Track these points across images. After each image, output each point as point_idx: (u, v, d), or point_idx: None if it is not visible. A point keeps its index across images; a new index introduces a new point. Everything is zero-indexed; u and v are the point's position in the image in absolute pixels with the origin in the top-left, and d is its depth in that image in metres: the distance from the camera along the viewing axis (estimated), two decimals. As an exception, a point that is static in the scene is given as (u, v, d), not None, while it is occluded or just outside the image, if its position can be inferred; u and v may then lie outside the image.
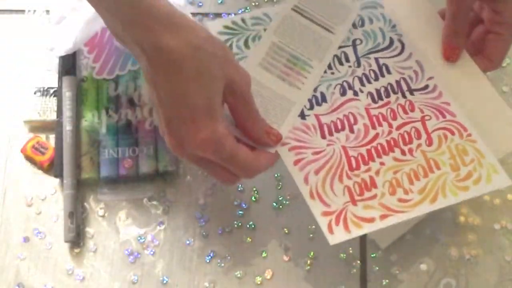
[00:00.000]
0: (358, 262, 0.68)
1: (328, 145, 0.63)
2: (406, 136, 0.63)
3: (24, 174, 0.71)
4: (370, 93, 0.65)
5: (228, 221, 0.70)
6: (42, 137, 0.72)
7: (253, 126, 0.60)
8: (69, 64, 0.73)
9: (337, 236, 0.59)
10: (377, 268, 0.68)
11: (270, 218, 0.70)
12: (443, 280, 0.68)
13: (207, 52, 0.55)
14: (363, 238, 0.69)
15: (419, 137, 0.63)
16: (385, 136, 0.63)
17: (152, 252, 0.69)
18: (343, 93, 0.65)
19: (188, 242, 0.69)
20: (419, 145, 0.63)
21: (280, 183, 0.71)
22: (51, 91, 0.73)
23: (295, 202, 0.71)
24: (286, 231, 0.70)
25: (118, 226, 0.70)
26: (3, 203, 0.70)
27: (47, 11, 0.76)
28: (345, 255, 0.69)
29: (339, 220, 0.60)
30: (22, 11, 0.77)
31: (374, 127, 0.64)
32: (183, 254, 0.69)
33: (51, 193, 0.71)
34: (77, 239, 0.68)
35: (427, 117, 0.64)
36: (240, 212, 0.70)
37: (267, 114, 0.62)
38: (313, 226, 0.70)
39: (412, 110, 0.64)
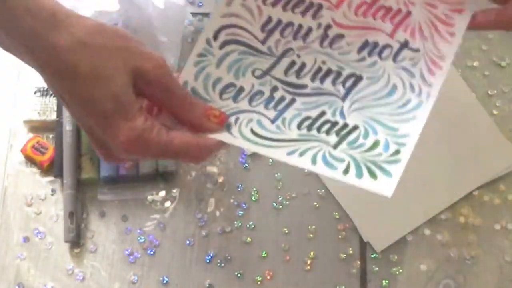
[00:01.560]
0: (358, 262, 0.68)
1: None
2: None
3: (24, 174, 0.71)
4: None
5: (228, 221, 0.70)
6: (42, 137, 0.72)
7: (186, 113, 0.53)
8: (69, 64, 0.73)
9: None
10: (377, 268, 0.68)
11: (270, 218, 0.70)
12: (443, 280, 0.68)
13: (100, 47, 0.49)
14: (363, 239, 0.69)
15: None
16: None
17: (152, 252, 0.69)
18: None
19: (188, 242, 0.69)
20: None
21: (280, 183, 0.71)
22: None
23: (295, 202, 0.71)
24: (286, 231, 0.70)
25: (118, 226, 0.70)
26: (3, 203, 0.70)
27: (47, 11, 0.76)
28: (345, 255, 0.69)
29: None
30: (22, 11, 0.77)
31: None
32: (183, 254, 0.69)
33: (51, 193, 0.71)
34: (77, 239, 0.68)
35: None
36: (240, 212, 0.70)
37: None
38: (313, 226, 0.70)
39: None
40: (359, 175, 0.54)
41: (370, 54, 0.58)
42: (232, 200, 0.71)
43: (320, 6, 0.59)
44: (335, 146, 0.55)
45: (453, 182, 0.71)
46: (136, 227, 0.70)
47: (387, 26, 0.58)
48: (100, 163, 0.70)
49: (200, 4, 0.79)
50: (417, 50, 0.57)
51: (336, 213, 0.70)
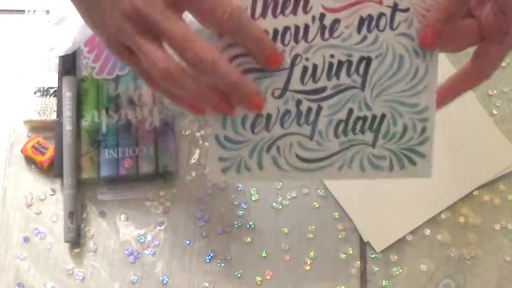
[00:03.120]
0: (358, 262, 0.68)
1: None
2: None
3: (24, 174, 0.71)
4: None
5: (228, 221, 0.70)
6: (42, 137, 0.72)
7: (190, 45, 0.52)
8: (69, 64, 0.73)
9: None
10: (377, 268, 0.68)
11: (270, 218, 0.70)
12: (443, 280, 0.68)
13: None
14: (363, 239, 0.69)
15: None
16: None
17: (152, 252, 0.69)
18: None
19: (188, 242, 0.69)
20: None
21: (280, 183, 0.71)
22: (51, 91, 0.73)
23: (295, 202, 0.71)
24: (286, 231, 0.70)
25: (118, 226, 0.70)
26: (3, 203, 0.70)
27: (47, 11, 0.76)
28: (345, 255, 0.69)
29: None
30: (22, 11, 0.77)
31: None
32: (183, 254, 0.69)
33: (51, 193, 0.71)
34: (77, 239, 0.68)
35: None
36: (240, 212, 0.70)
37: None
38: (313, 226, 0.70)
39: None
40: (402, 166, 0.58)
41: (369, 30, 0.56)
42: (232, 200, 0.71)
43: None
44: (373, 144, 0.57)
45: (453, 182, 0.71)
46: (136, 227, 0.70)
47: None
48: (100, 163, 0.70)
49: None
50: (407, 10, 0.56)
51: (336, 213, 0.70)
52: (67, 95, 0.71)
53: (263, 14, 0.55)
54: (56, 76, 0.73)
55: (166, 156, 0.70)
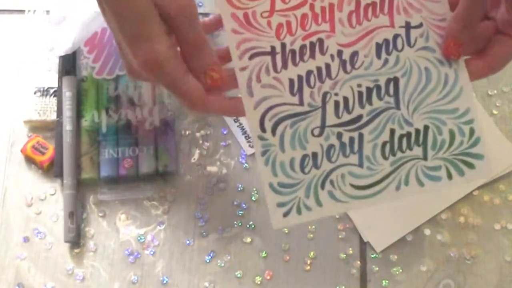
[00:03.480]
0: (358, 262, 0.68)
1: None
2: None
3: (24, 174, 0.71)
4: None
5: (228, 221, 0.70)
6: (42, 137, 0.72)
7: (192, 58, 0.56)
8: (69, 64, 0.73)
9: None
10: (377, 268, 0.68)
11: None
12: (443, 280, 0.68)
13: None
14: (363, 239, 0.69)
15: None
16: None
17: (152, 252, 0.69)
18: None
19: (188, 242, 0.69)
20: None
21: (280, 183, 0.71)
22: (51, 91, 0.73)
23: (295, 202, 0.71)
24: (286, 231, 0.70)
25: (118, 226, 0.70)
26: (3, 203, 0.70)
27: (47, 11, 0.76)
28: (345, 255, 0.69)
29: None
30: (22, 11, 0.77)
31: None
32: (183, 254, 0.69)
33: (51, 193, 0.71)
34: (77, 239, 0.68)
35: None
36: (240, 212, 0.70)
37: None
38: (313, 226, 0.70)
39: None
40: (461, 173, 0.59)
41: (388, 52, 0.58)
42: (232, 200, 0.71)
43: (320, 40, 0.58)
44: (425, 157, 0.58)
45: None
46: (136, 227, 0.70)
47: (383, 19, 0.58)
48: (100, 163, 0.70)
49: (200, 4, 0.80)
50: (420, 25, 0.58)
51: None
52: (67, 95, 0.71)
53: (284, 66, 0.58)
54: (56, 76, 0.73)
55: (166, 156, 0.70)
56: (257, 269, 0.68)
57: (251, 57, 0.58)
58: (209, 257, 0.68)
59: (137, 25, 0.53)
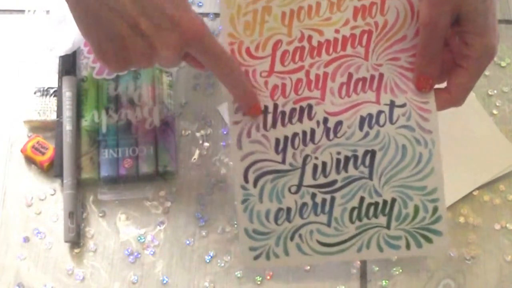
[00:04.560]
0: (358, 262, 0.68)
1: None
2: None
3: (24, 174, 0.71)
4: None
5: (228, 221, 0.70)
6: (42, 137, 0.72)
7: (225, 76, 0.60)
8: (69, 64, 0.73)
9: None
10: (377, 268, 0.68)
11: (270, 218, 0.70)
12: (443, 280, 0.68)
13: None
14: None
15: None
16: None
17: (152, 252, 0.69)
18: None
19: (188, 242, 0.69)
20: None
21: (280, 183, 0.71)
22: (51, 91, 0.73)
23: (295, 202, 0.71)
24: (286, 231, 0.70)
25: (118, 226, 0.70)
26: (3, 203, 0.70)
27: (47, 11, 0.76)
28: (345, 255, 0.69)
29: None
30: (22, 11, 0.77)
31: None
32: (183, 254, 0.69)
33: (51, 193, 0.71)
34: (77, 239, 0.68)
35: None
36: (240, 212, 0.70)
37: None
38: (313, 226, 0.70)
39: None
40: (419, 245, 0.63)
41: (370, 126, 0.62)
42: (232, 200, 0.71)
43: (310, 106, 0.63)
44: (388, 226, 0.63)
45: (453, 182, 0.71)
46: (136, 227, 0.70)
47: (370, 95, 0.63)
48: (100, 163, 0.70)
49: (200, 4, 0.80)
50: (404, 105, 0.62)
51: (336, 213, 0.70)
52: (67, 95, 0.71)
53: (274, 125, 0.63)
54: (56, 76, 0.73)
55: (166, 156, 0.70)
56: (257, 269, 0.68)
57: (246, 113, 0.63)
58: (209, 257, 0.68)
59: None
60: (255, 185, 0.63)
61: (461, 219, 0.70)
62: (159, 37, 0.55)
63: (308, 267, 0.68)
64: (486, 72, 0.76)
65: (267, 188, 0.63)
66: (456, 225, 0.70)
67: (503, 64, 0.77)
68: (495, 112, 0.74)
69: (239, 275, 0.68)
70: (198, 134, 0.73)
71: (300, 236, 0.63)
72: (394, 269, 0.68)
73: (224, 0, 0.62)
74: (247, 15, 0.62)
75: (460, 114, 0.73)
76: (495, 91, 0.75)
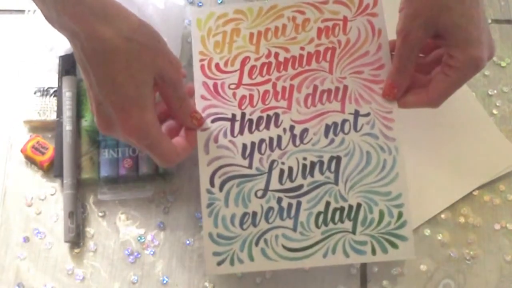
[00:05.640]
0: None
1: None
2: None
3: (24, 174, 0.71)
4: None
5: (228, 221, 0.70)
6: (42, 137, 0.72)
7: (179, 109, 0.62)
8: (69, 64, 0.73)
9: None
10: (377, 268, 0.68)
11: (270, 218, 0.70)
12: (443, 280, 0.68)
13: (139, 43, 0.57)
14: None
15: None
16: None
17: (152, 252, 0.69)
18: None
19: (188, 242, 0.69)
20: None
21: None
22: (51, 91, 0.73)
23: (295, 202, 0.71)
24: (286, 231, 0.70)
25: (118, 226, 0.70)
26: (3, 203, 0.70)
27: (47, 11, 0.76)
28: (345, 255, 0.69)
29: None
30: (22, 11, 0.77)
31: None
32: (183, 254, 0.69)
33: (51, 193, 0.71)
34: (77, 239, 0.68)
35: None
36: (240, 212, 0.70)
37: None
38: (313, 226, 0.70)
39: None
40: (384, 250, 0.63)
41: (335, 134, 0.64)
42: (232, 200, 0.71)
43: (277, 115, 0.65)
44: (353, 231, 0.63)
45: (453, 182, 0.71)
46: (136, 227, 0.70)
47: (335, 105, 0.65)
48: (100, 163, 0.70)
49: (200, 4, 0.80)
50: (368, 114, 0.65)
51: (336, 213, 0.70)
52: (67, 95, 0.71)
53: (241, 132, 0.65)
54: (56, 76, 0.73)
55: (166, 156, 0.70)
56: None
57: (213, 121, 0.65)
58: (209, 257, 0.68)
59: (136, 94, 0.57)
60: (221, 189, 0.64)
61: (461, 219, 0.70)
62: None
63: (308, 267, 0.68)
64: (486, 72, 0.76)
65: (233, 192, 0.64)
66: (456, 225, 0.70)
67: (503, 64, 0.77)
68: (495, 112, 0.74)
69: (239, 275, 0.68)
70: (198, 134, 0.73)
71: (265, 241, 0.63)
72: (394, 269, 0.68)
73: (195, 25, 0.67)
74: (217, 35, 0.67)
75: (460, 114, 0.73)
76: (495, 91, 0.75)
